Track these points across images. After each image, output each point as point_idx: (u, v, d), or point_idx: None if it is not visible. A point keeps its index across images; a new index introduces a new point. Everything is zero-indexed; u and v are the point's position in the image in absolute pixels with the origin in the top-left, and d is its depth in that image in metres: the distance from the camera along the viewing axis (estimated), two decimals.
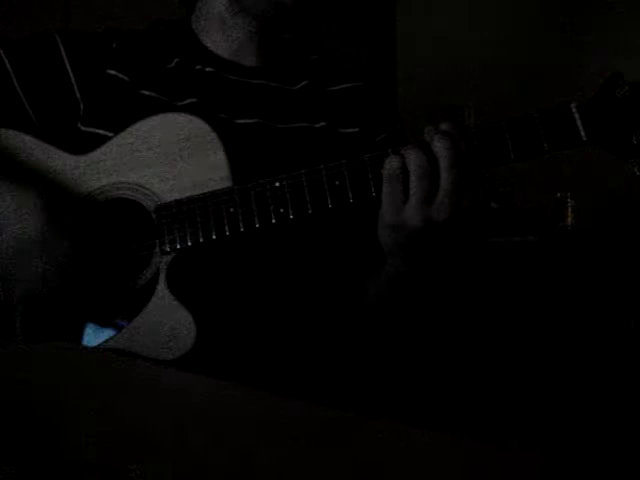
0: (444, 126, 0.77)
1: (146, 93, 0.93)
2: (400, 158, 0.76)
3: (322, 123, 0.96)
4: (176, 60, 0.97)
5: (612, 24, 2.35)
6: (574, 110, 0.77)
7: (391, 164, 0.76)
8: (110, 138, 0.88)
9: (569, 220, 2.25)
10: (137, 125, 0.86)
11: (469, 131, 0.78)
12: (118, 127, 0.87)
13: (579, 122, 0.77)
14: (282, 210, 0.80)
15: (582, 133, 0.77)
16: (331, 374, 0.95)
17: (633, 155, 0.78)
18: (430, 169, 0.75)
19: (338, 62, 1.06)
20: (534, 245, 2.05)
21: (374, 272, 0.95)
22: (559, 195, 2.27)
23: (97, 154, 0.87)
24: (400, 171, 0.75)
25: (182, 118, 0.84)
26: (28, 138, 0.89)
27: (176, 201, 0.83)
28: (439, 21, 2.65)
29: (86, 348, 0.80)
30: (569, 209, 2.26)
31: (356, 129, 0.98)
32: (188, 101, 0.93)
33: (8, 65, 0.93)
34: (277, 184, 0.80)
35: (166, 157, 0.84)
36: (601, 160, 0.82)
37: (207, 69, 0.96)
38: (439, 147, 0.75)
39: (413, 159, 0.75)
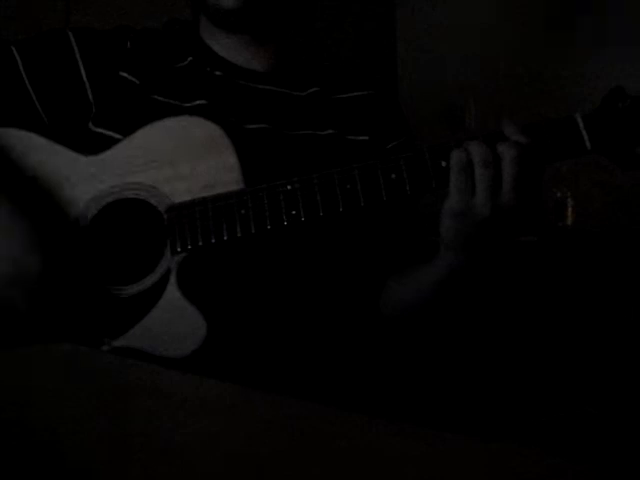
0: (507, 129, 0.79)
1: (156, 98, 0.93)
2: (465, 150, 0.78)
3: (329, 131, 0.97)
4: (190, 59, 0.97)
5: (612, 24, 2.35)
6: (579, 120, 0.79)
7: (459, 155, 0.77)
8: (121, 140, 0.88)
9: (569, 220, 2.25)
10: (149, 127, 0.86)
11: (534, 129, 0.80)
12: (128, 130, 0.88)
13: (584, 132, 0.79)
14: (294, 212, 0.81)
15: (587, 143, 0.79)
16: (340, 376, 0.95)
17: (636, 166, 0.80)
18: (493, 160, 0.77)
19: (350, 69, 1.07)
20: (534, 245, 2.05)
21: (400, 275, 0.96)
22: (559, 195, 2.27)
23: (109, 154, 0.88)
24: (467, 161, 0.77)
25: (194, 121, 0.85)
26: (38, 138, 0.89)
27: (188, 202, 0.84)
28: (439, 21, 2.64)
29: (86, 349, 0.80)
30: (569, 209, 2.26)
31: (366, 137, 0.98)
32: (197, 102, 0.93)
33: (20, 63, 0.93)
34: (289, 187, 0.81)
35: (178, 159, 0.85)
36: (601, 160, 0.82)
37: (216, 72, 0.96)
38: (502, 148, 0.77)
39: (476, 151, 0.77)
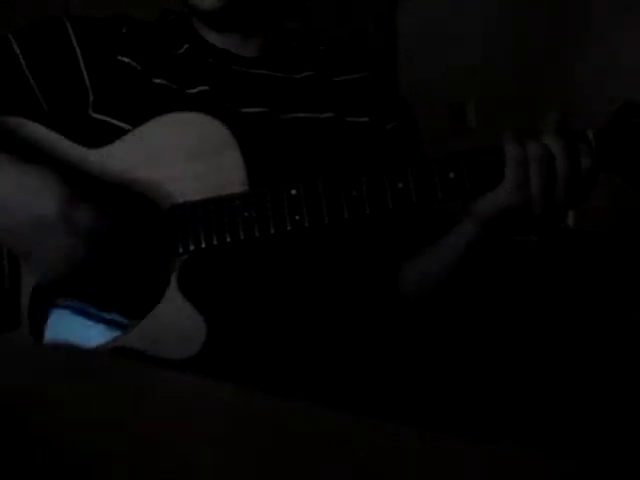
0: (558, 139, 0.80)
1: (158, 81, 0.93)
2: (520, 146, 0.78)
3: (329, 113, 0.96)
4: (186, 46, 0.97)
5: (613, 23, 2.35)
6: (591, 137, 0.78)
7: (515, 148, 0.78)
8: (123, 131, 0.87)
9: (569, 220, 2.25)
10: (153, 122, 0.85)
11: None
12: (130, 116, 0.87)
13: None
14: (297, 217, 0.80)
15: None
16: (341, 378, 0.95)
17: None
18: (547, 157, 0.77)
19: (346, 53, 1.07)
20: (535, 245, 2.05)
21: (412, 258, 0.96)
22: None
23: (111, 149, 0.86)
24: (523, 156, 0.78)
25: (200, 118, 0.84)
26: (39, 128, 0.88)
27: (191, 202, 0.83)
28: (440, 20, 2.64)
29: (86, 350, 0.80)
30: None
31: (366, 118, 0.98)
32: (200, 89, 0.93)
33: (18, 50, 0.92)
34: (293, 192, 0.81)
35: (182, 157, 0.84)
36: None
37: (209, 60, 0.96)
38: (555, 146, 0.78)
39: (532, 148, 0.78)
